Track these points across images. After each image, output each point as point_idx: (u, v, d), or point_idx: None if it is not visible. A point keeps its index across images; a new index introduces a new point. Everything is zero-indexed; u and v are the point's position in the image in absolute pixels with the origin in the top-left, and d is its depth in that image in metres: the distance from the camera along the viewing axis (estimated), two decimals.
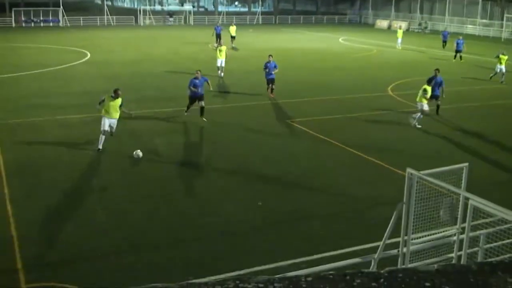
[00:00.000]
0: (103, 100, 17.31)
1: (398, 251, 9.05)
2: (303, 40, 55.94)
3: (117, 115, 17.35)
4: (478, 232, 9.08)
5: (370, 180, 15.41)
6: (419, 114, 21.27)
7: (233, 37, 47.78)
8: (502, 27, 66.54)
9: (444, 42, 48.33)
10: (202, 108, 21.06)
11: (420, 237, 9.26)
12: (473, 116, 23.57)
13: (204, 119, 21.00)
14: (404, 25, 72.02)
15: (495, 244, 9.07)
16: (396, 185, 13.07)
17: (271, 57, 26.39)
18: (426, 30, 70.71)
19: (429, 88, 21.51)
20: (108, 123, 17.23)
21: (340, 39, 56.95)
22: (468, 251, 8.99)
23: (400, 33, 49.59)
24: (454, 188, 8.71)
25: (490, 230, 9.02)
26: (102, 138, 17.14)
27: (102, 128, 17.19)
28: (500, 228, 8.92)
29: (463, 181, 9.22)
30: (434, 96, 21.95)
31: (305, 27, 73.44)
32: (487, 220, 8.85)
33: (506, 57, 31.71)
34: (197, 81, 21.12)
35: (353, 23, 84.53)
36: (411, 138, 19.94)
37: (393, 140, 19.54)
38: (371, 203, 13.71)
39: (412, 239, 9.07)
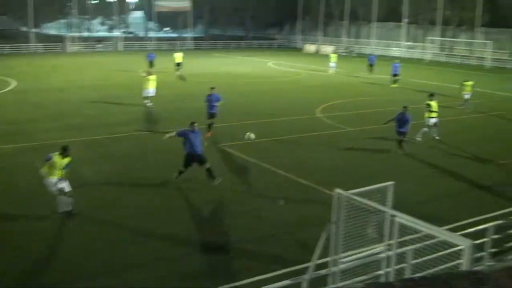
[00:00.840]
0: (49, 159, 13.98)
1: (328, 270, 9.11)
2: (233, 64, 56.39)
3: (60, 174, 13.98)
4: (405, 248, 9.26)
5: (300, 201, 15.51)
6: (425, 128, 22.93)
7: (178, 64, 45.04)
8: (424, 49, 69.38)
9: (371, 65, 48.09)
10: (208, 171, 16.50)
11: (349, 256, 9.37)
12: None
13: (216, 181, 16.44)
14: (331, 49, 73.94)
15: (422, 259, 9.28)
16: (326, 205, 13.21)
17: (213, 89, 23.54)
18: (352, 54, 72.80)
19: (432, 103, 22.95)
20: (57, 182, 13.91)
21: (269, 63, 57.75)
22: (396, 267, 9.16)
23: (333, 57, 50.63)
24: (381, 206, 8.88)
25: (417, 245, 9.23)
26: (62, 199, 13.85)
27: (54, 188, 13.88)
28: (426, 243, 9.12)
29: (389, 199, 9.43)
30: (401, 133, 21.04)
31: (235, 51, 74.11)
32: (413, 236, 9.04)
33: (470, 83, 31.02)
34: (193, 134, 16.49)
35: (282, 47, 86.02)
36: (340, 159, 20.29)
37: (322, 161, 19.82)
38: (301, 224, 13.77)
39: (341, 258, 9.16)
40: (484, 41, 64.66)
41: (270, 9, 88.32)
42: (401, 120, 20.87)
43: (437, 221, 12.01)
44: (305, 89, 38.82)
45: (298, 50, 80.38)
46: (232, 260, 11.81)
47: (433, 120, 22.95)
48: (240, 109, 29.40)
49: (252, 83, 41.42)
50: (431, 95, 23.64)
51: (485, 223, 11.72)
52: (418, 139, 22.76)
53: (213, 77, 43.60)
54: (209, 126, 23.03)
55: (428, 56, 66.70)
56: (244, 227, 13.63)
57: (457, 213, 14.52)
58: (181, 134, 16.64)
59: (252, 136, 17.88)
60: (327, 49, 75.42)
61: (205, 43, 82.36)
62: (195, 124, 16.62)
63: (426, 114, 23.03)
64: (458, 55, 67.46)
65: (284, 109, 29.94)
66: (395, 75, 40.94)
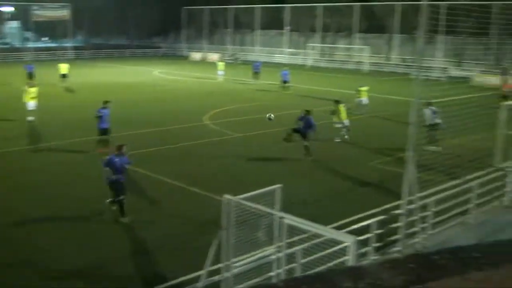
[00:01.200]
0: None
1: (221, 276, 9.15)
2: (118, 74, 55.20)
3: None
4: (294, 249, 9.51)
5: (192, 210, 15.46)
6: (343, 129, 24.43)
7: (64, 76, 42.93)
8: (306, 55, 71.81)
9: (256, 73, 48.21)
10: (120, 204, 14.70)
11: (242, 260, 9.46)
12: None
13: (125, 219, 14.57)
14: (217, 56, 74.51)
15: (311, 258, 9.57)
16: (218, 212, 13.26)
17: (107, 103, 22.19)
18: (238, 61, 73.82)
19: (340, 107, 24.64)
20: None
21: (155, 72, 57.16)
22: (287, 267, 9.37)
23: (221, 65, 50.85)
24: (269, 209, 9.06)
25: (305, 245, 9.51)
26: None
27: None
28: (314, 242, 9.42)
29: (277, 202, 9.64)
30: (304, 136, 21.43)
31: (119, 61, 72.58)
32: (302, 236, 9.31)
33: (365, 89, 31.83)
34: (117, 159, 14.78)
35: (167, 56, 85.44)
36: (230, 165, 20.47)
37: (212, 168, 19.90)
38: (194, 232, 13.72)
39: (234, 263, 9.23)
40: (362, 46, 68.06)
41: (154, 17, 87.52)
42: (307, 124, 21.45)
43: (324, 220, 12.45)
44: (192, 97, 38.81)
45: (184, 58, 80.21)
46: (124, 273, 11.52)
47: (345, 122, 24.58)
48: (126, 119, 28.74)
49: (138, 92, 40.76)
50: (337, 101, 25.08)
51: (368, 219, 12.29)
52: (337, 140, 24.27)
53: (97, 87, 42.45)
54: (102, 142, 21.59)
55: (309, 62, 69.08)
56: (134, 238, 13.35)
57: (342, 211, 15.12)
58: (107, 163, 14.84)
59: (272, 116, 19.45)
60: (213, 56, 75.93)
61: (87, 53, 79.98)
62: (124, 146, 15.13)
63: (335, 118, 24.62)
64: (337, 60, 70.46)
65: (171, 118, 29.74)
66: (284, 82, 41.66)
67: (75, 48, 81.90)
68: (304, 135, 21.43)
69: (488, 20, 52.28)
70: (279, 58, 75.39)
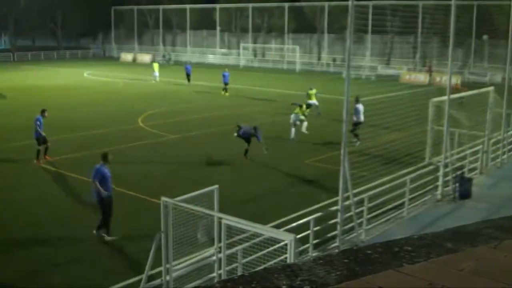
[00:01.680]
0: None
1: (162, 280, 9.11)
2: (46, 76, 53.56)
3: None
4: (234, 249, 9.59)
5: (130, 214, 15.27)
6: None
7: None
8: (239, 55, 71.98)
9: (188, 75, 47.41)
10: (105, 226, 13.41)
11: (182, 262, 9.46)
12: (215, 142, 24.94)
13: (107, 237, 13.39)
14: (148, 57, 73.61)
15: (251, 257, 9.68)
16: (156, 215, 13.16)
17: (44, 112, 20.83)
18: (170, 62, 73.15)
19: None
20: None
21: (85, 74, 55.85)
22: (228, 268, 9.44)
23: (156, 66, 49.95)
24: (207, 210, 9.10)
25: (245, 245, 9.60)
26: None
27: None
28: (254, 242, 9.54)
29: (215, 202, 9.69)
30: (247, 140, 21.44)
31: (47, 63, 70.49)
32: (242, 236, 9.40)
33: (314, 91, 31.63)
34: (106, 170, 13.35)
35: (97, 57, 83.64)
36: (166, 167, 20.31)
37: (149, 171, 19.71)
38: (132, 237, 13.57)
39: (174, 266, 9.21)
40: (293, 46, 68.87)
41: (82, 18, 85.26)
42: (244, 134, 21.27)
43: (263, 219, 12.59)
44: (125, 99, 38.20)
45: (114, 59, 78.75)
46: (61, 280, 11.27)
47: (301, 118, 25.41)
48: (56, 123, 27.90)
49: (68, 95, 39.70)
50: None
51: (307, 216, 12.52)
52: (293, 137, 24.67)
53: (24, 91, 41.10)
54: (46, 151, 20.69)
55: (242, 62, 69.30)
56: (71, 244, 13.07)
57: (281, 209, 15.31)
58: (98, 176, 13.13)
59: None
60: (144, 57, 74.96)
61: (12, 55, 77.20)
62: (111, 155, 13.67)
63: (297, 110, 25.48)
64: (270, 60, 71.02)
65: (104, 120, 29.19)
66: (225, 83, 40.84)
67: (0, 51, 78.93)
68: (247, 140, 21.25)
69: (414, 19, 54.07)
70: (212, 58, 75.24)
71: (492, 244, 2.00)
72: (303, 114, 25.63)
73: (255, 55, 75.12)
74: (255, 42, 74.46)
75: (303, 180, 18.92)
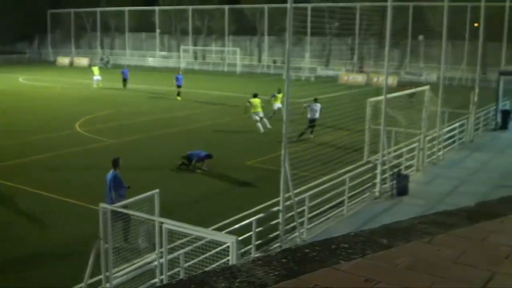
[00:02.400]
0: None
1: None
2: None
3: None
4: (176, 253, 9.47)
5: (68, 222, 14.87)
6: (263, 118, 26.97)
7: None
8: (179, 58, 71.54)
9: (125, 80, 46.06)
10: None
11: (123, 269, 9.26)
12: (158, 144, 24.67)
13: None
14: (86, 61, 72.15)
15: (194, 261, 9.59)
16: (96, 222, 12.86)
17: None
18: (108, 65, 71.92)
19: (254, 100, 27.53)
20: None
21: (20, 79, 54.13)
22: (170, 273, 9.31)
23: (95, 70, 48.31)
24: (148, 215, 8.95)
25: (187, 249, 9.50)
26: None
27: None
28: (196, 245, 9.44)
29: (156, 207, 9.55)
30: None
31: None
32: (184, 240, 9.29)
33: (281, 95, 30.67)
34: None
35: (33, 61, 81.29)
36: (104, 172, 19.88)
37: (88, 176, 19.25)
38: (70, 244, 13.21)
39: (115, 273, 9.01)
40: (234, 48, 68.99)
41: (16, 21, 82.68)
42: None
43: (205, 222, 12.52)
44: (62, 103, 37.24)
45: (51, 63, 76.74)
46: None
47: (260, 115, 27.19)
48: None
49: (3, 100, 38.35)
50: (255, 95, 27.98)
51: (248, 218, 12.53)
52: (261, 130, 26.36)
53: None
54: None
55: (183, 65, 68.87)
56: (3, 253, 12.61)
57: (223, 211, 15.26)
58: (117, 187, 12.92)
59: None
60: (82, 61, 73.42)
61: None
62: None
63: (252, 110, 27.34)
64: (210, 63, 70.90)
65: (41, 126, 28.38)
66: (178, 86, 39.63)
67: None
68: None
69: (352, 21, 55.15)
70: (151, 61, 74.45)
71: (425, 239, 2.03)
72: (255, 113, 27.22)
73: (195, 58, 74.84)
74: (195, 44, 74.21)
75: (245, 182, 18.94)
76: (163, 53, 76.25)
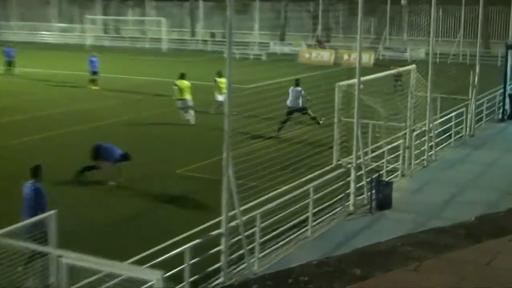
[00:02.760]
0: None
1: None
2: None
3: None
4: None
5: None
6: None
7: None
8: (83, 31, 70.80)
9: (9, 62, 45.57)
10: None
11: None
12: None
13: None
14: None
15: None
16: None
17: None
18: None
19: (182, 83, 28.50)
20: None
21: None
22: None
23: None
24: (41, 246, 8.76)
25: None
26: None
27: None
28: (109, 285, 9.24)
29: (52, 234, 9.35)
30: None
31: None
32: (91, 279, 9.10)
33: (223, 80, 29.43)
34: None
35: None
36: None
37: None
38: None
39: None
40: (158, 18, 68.71)
41: None
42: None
43: (124, 252, 12.34)
44: None
45: None
46: None
47: (189, 103, 28.20)
48: None
49: None
50: (182, 76, 28.98)
51: (180, 245, 12.39)
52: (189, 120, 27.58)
53: None
54: None
55: (88, 41, 68.12)
56: None
57: (147, 237, 15.09)
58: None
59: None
60: None
61: None
62: None
63: (178, 95, 28.30)
64: (127, 37, 70.41)
65: None
66: (94, 72, 39.20)
67: None
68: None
69: None
70: (47, 36, 73.38)
71: (411, 266, 2.02)
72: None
73: (105, 31, 74.18)
74: (105, 13, 73.56)
75: (175, 197, 18.81)
76: (62, 25, 75.27)
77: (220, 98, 28.69)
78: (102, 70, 39.85)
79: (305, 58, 55.76)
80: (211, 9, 68.52)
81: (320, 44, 59.78)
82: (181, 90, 28.19)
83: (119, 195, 19.02)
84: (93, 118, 29.43)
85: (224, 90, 28.73)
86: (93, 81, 39.05)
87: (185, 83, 28.43)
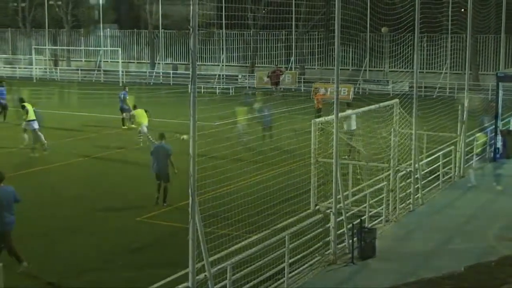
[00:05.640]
0: None
1: None
2: None
3: None
4: None
5: None
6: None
7: None
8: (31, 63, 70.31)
9: None
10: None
11: None
12: None
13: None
14: None
15: None
16: None
17: None
18: None
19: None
20: None
21: None
22: None
23: None
24: None
25: None
26: None
27: None
28: None
29: None
30: None
31: None
32: None
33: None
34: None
35: None
36: None
37: None
38: None
39: None
40: (113, 48, 68.53)
41: None
42: None
43: None
44: None
45: None
46: None
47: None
48: None
49: None
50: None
51: None
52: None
53: None
54: None
55: (36, 72, 67.52)
56: None
57: None
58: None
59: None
60: None
61: None
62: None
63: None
64: (77, 69, 69.77)
65: None
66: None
67: None
68: None
69: (285, 8, 56.03)
70: None
71: None
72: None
73: (55, 63, 73.78)
74: (54, 43, 73.22)
75: (134, 248, 18.60)
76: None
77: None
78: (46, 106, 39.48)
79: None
80: (172, 38, 68.44)
81: (273, 79, 58.14)
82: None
83: (73, 247, 18.83)
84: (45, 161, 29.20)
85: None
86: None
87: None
